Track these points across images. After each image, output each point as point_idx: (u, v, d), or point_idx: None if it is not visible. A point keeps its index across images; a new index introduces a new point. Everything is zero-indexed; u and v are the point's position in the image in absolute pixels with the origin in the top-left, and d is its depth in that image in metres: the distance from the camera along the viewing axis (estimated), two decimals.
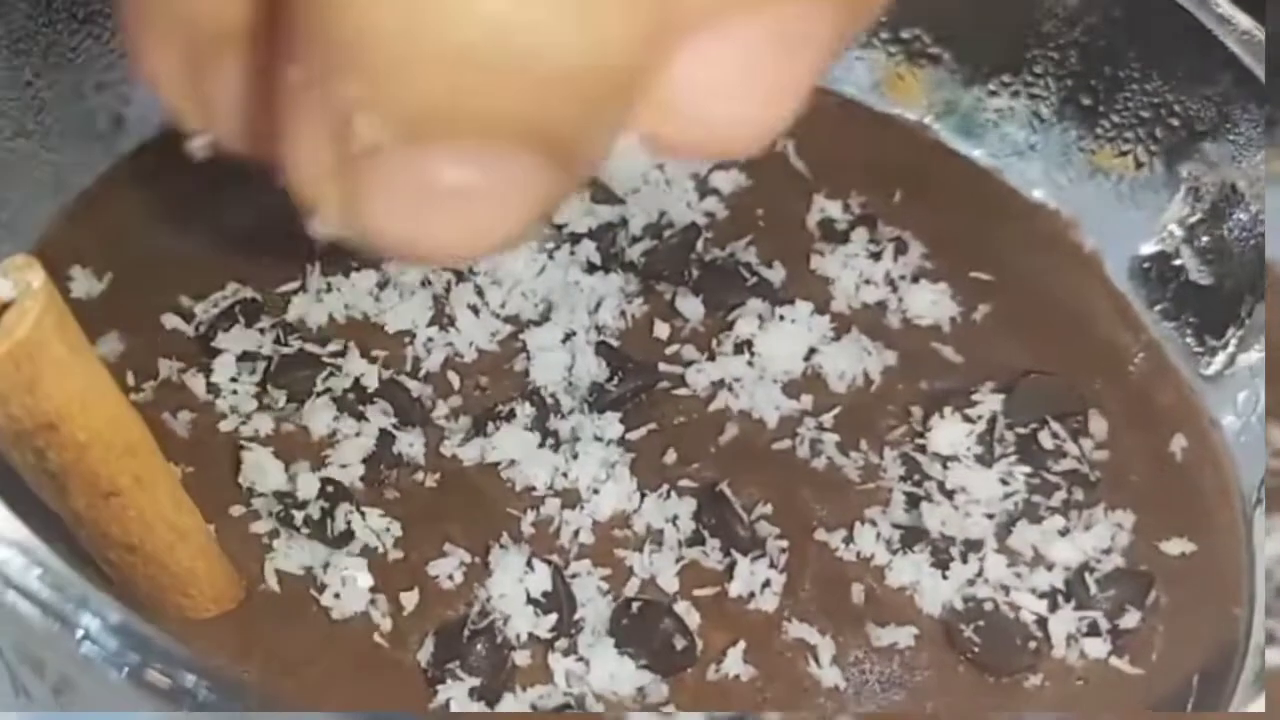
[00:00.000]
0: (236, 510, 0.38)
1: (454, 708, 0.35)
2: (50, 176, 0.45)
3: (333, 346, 0.41)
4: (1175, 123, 0.47)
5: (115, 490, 0.33)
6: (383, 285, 0.44)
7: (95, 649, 0.27)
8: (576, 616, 0.37)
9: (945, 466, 0.42)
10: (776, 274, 0.46)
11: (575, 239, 0.46)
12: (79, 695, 0.30)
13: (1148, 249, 0.48)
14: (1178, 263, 0.47)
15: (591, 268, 0.46)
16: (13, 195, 0.43)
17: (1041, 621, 0.39)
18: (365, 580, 0.37)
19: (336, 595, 0.37)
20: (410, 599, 0.37)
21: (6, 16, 0.42)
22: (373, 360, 0.42)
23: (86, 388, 0.31)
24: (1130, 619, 0.39)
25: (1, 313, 0.29)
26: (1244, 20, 0.44)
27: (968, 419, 0.42)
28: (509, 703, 0.35)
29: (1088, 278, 0.49)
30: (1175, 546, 0.42)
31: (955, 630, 0.38)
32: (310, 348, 0.41)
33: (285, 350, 0.41)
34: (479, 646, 0.36)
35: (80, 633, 0.27)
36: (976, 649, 0.38)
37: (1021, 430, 0.43)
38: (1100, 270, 0.49)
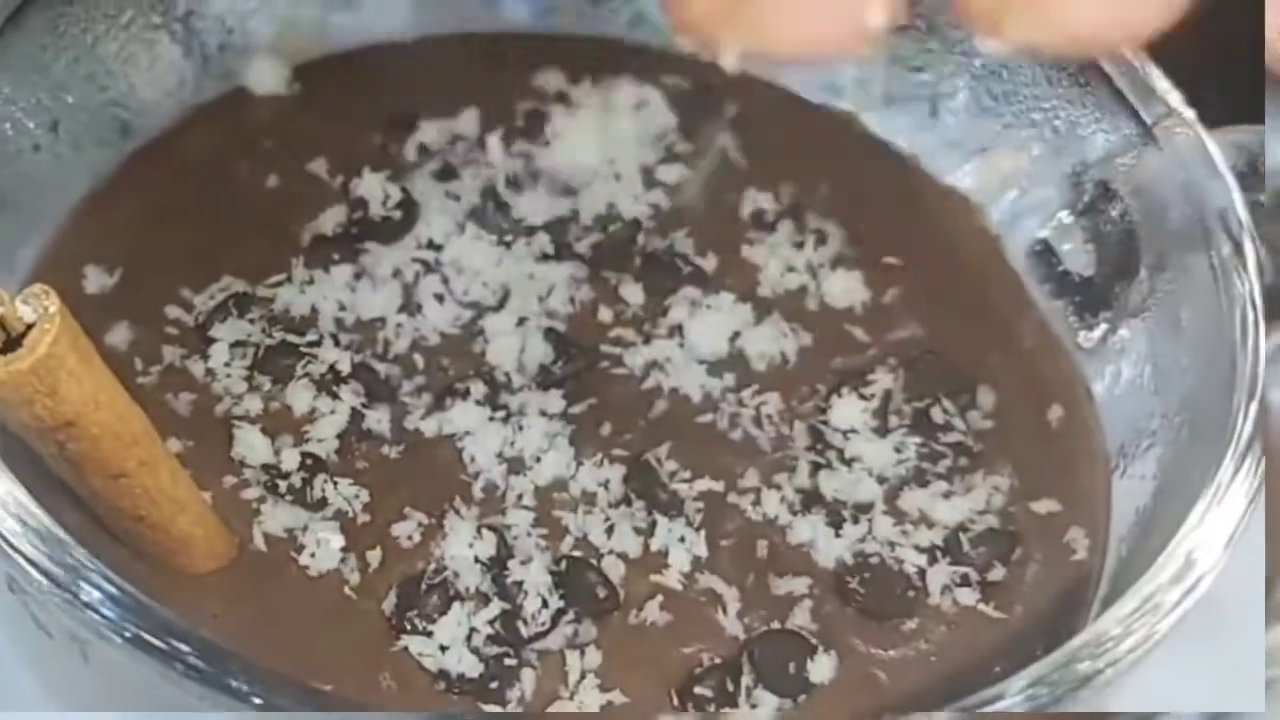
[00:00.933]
0: (229, 480, 0.45)
1: (412, 652, 0.42)
2: (63, 182, 0.51)
3: (310, 336, 0.48)
4: (1060, 127, 0.53)
5: (124, 473, 0.39)
6: (358, 276, 0.50)
7: (98, 617, 0.34)
8: (518, 579, 0.43)
9: (846, 437, 0.48)
10: (709, 263, 0.52)
11: (531, 231, 0.52)
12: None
13: (1041, 234, 0.54)
14: (1066, 247, 0.53)
15: (545, 257, 0.52)
16: (29, 200, 0.50)
17: (921, 573, 0.45)
18: (337, 541, 0.43)
19: (312, 555, 0.43)
20: (375, 557, 0.43)
21: (21, 46, 0.48)
22: (346, 347, 0.48)
23: (97, 391, 0.37)
24: (997, 573, 0.46)
25: (25, 333, 0.36)
26: None
27: (863, 397, 0.48)
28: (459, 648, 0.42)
29: (989, 259, 0.55)
30: (1043, 506, 0.48)
31: (843, 581, 0.45)
32: (291, 338, 0.47)
33: (270, 341, 0.47)
34: (434, 598, 0.43)
35: (85, 602, 0.34)
36: (861, 597, 0.45)
37: (917, 404, 0.49)
38: (1000, 252, 0.55)
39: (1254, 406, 0.42)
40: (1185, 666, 0.38)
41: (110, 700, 0.38)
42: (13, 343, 0.35)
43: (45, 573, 0.35)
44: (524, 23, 0.60)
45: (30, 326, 0.35)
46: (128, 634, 0.34)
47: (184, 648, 0.33)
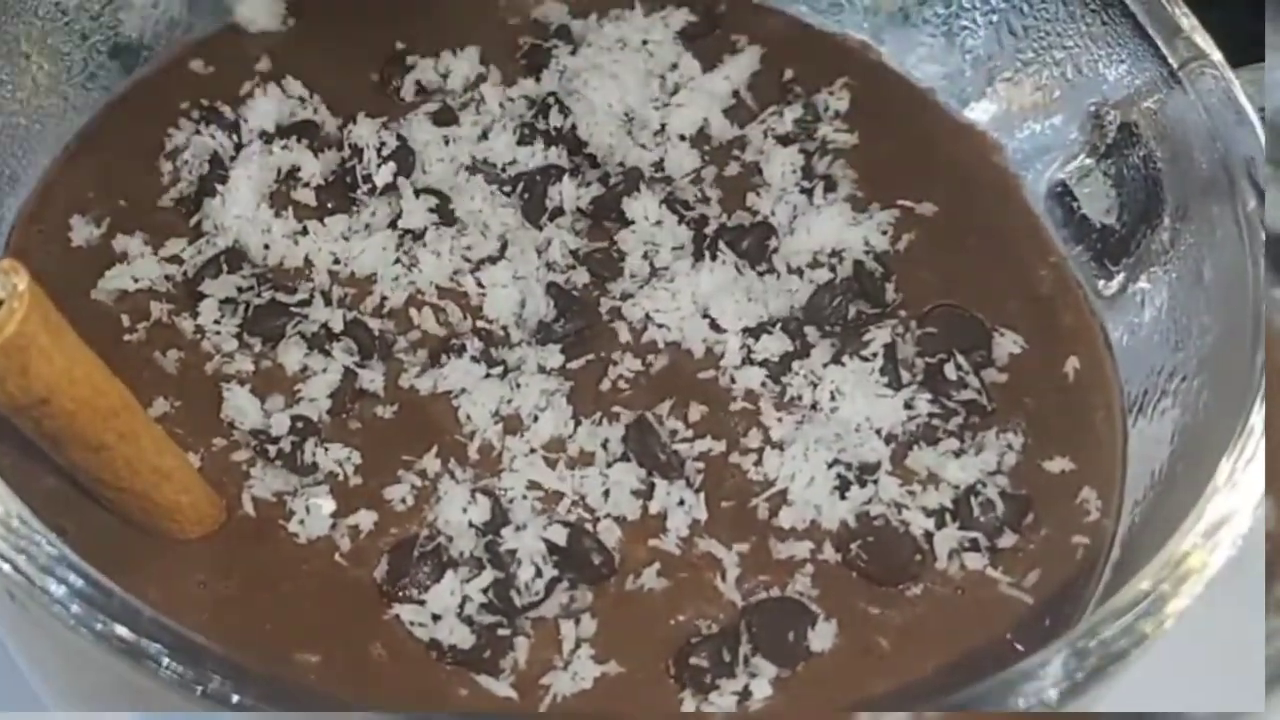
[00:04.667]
0: (218, 442, 0.44)
1: (404, 621, 0.41)
2: (48, 130, 0.50)
3: (301, 295, 0.46)
4: (1083, 65, 0.50)
5: (104, 445, 0.38)
6: (353, 227, 0.49)
7: (65, 612, 0.33)
8: (512, 547, 0.42)
9: (853, 395, 0.46)
10: (713, 211, 0.50)
11: (530, 179, 0.50)
12: None
13: (1061, 175, 0.52)
14: (1085, 191, 0.51)
15: (544, 206, 0.50)
16: (14, 151, 0.48)
17: (928, 537, 0.44)
18: (328, 507, 0.42)
19: (302, 521, 0.42)
20: (367, 522, 0.42)
21: None
22: (340, 303, 0.47)
23: (71, 366, 0.36)
24: (1007, 539, 0.44)
25: None
26: None
27: (864, 358, 0.46)
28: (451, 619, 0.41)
29: (1007, 200, 0.53)
30: (1057, 465, 0.46)
31: (846, 545, 0.44)
32: (282, 297, 0.46)
33: (259, 301, 0.46)
34: (427, 565, 0.42)
35: (51, 598, 0.33)
36: (864, 562, 0.43)
37: (930, 360, 0.47)
38: (1019, 193, 0.53)
39: None
40: (1185, 666, 0.37)
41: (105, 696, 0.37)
42: None
43: (14, 565, 0.34)
44: None
45: None
46: (98, 628, 0.33)
47: (157, 646, 0.32)
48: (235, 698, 0.32)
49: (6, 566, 0.33)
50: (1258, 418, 0.40)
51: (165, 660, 0.32)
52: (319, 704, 0.33)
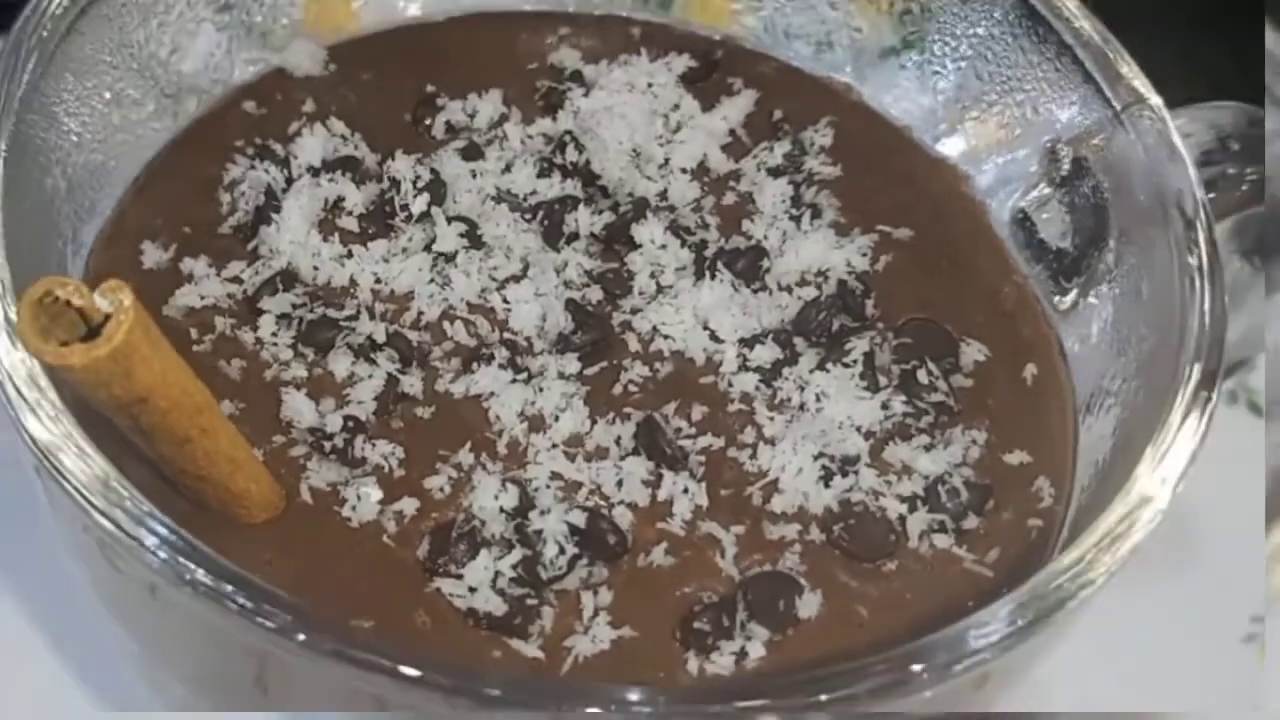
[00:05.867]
0: (278, 439, 0.50)
1: (444, 593, 0.47)
2: (121, 165, 0.56)
3: (349, 310, 0.52)
4: (1040, 106, 0.57)
5: (188, 439, 0.44)
6: (392, 251, 0.55)
7: (155, 559, 0.40)
8: (538, 528, 0.48)
9: (836, 398, 0.52)
10: (711, 236, 0.57)
11: (550, 207, 0.56)
12: None
13: (1022, 204, 0.58)
14: (1044, 217, 0.58)
15: (561, 232, 0.56)
16: (92, 184, 0.54)
17: (902, 520, 0.50)
18: (376, 495, 0.48)
19: (353, 507, 0.48)
20: (410, 508, 0.48)
21: (81, 47, 0.53)
22: (382, 317, 0.53)
23: (166, 370, 0.42)
24: (971, 522, 0.50)
25: (103, 323, 0.41)
26: (1088, 27, 0.54)
27: (846, 365, 0.52)
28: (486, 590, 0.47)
29: (975, 226, 0.59)
30: (1015, 458, 0.52)
31: (829, 527, 0.50)
32: (331, 312, 0.52)
33: (312, 316, 0.52)
34: (463, 545, 0.48)
35: (144, 548, 0.40)
36: (846, 541, 0.50)
37: (904, 366, 0.54)
38: (985, 219, 0.59)
39: (1198, 369, 0.47)
40: (1181, 665, 0.40)
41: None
42: (92, 332, 0.40)
43: (113, 520, 0.40)
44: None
45: (107, 317, 0.40)
46: (187, 577, 0.39)
47: (232, 588, 0.39)
48: (301, 635, 0.38)
49: (106, 521, 0.40)
50: (1178, 414, 0.47)
51: (240, 600, 0.39)
52: (375, 646, 0.40)
